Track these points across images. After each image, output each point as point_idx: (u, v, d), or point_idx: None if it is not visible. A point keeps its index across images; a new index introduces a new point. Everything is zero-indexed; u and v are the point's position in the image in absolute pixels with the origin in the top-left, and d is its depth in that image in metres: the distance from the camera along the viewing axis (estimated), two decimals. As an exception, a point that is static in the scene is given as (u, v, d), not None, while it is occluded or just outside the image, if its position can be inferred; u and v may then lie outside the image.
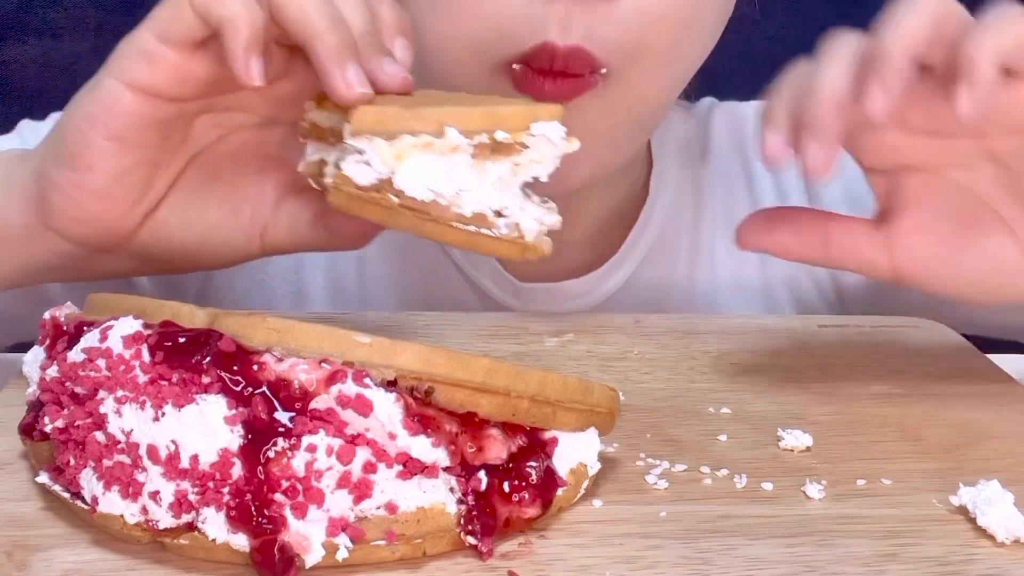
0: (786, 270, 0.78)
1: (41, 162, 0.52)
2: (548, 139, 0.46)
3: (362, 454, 0.38)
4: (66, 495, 0.41)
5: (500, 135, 0.45)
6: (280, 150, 0.55)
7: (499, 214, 0.45)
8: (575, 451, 0.43)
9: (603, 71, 0.59)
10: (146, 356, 0.39)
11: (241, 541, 0.38)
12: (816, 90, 0.47)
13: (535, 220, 0.46)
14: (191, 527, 0.38)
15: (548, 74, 0.59)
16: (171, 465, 0.38)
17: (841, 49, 0.48)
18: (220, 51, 0.48)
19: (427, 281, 0.77)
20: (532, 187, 0.48)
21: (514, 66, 0.60)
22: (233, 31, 0.47)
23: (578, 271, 0.76)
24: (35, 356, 0.45)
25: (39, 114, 0.77)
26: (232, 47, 0.47)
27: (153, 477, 0.38)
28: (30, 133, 0.75)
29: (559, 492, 0.42)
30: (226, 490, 0.37)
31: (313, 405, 0.38)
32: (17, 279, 0.56)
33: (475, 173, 0.45)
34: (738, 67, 0.78)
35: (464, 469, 0.40)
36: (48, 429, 0.42)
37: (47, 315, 0.45)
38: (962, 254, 0.51)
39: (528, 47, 0.59)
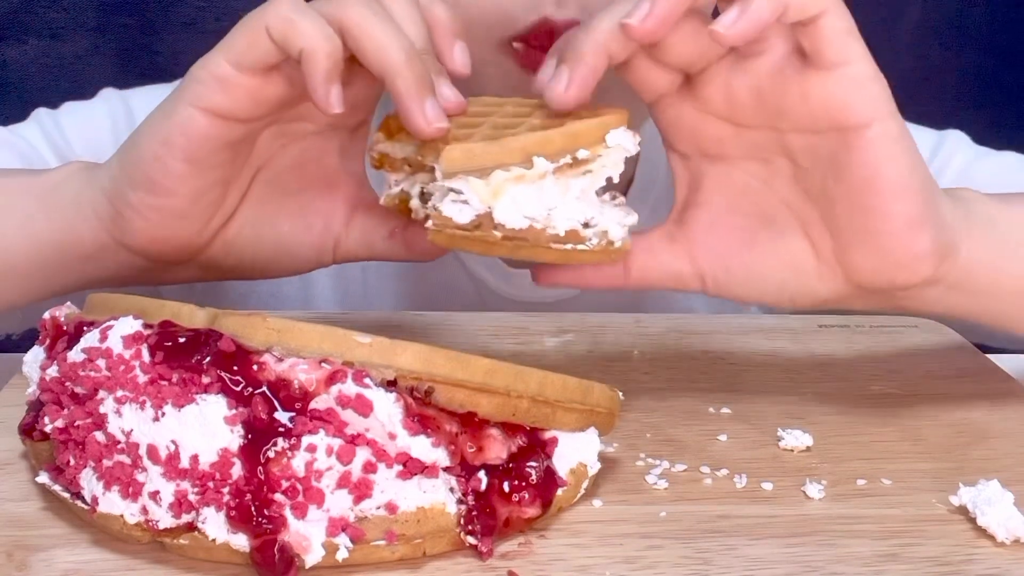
0: None
1: (115, 184, 0.53)
2: (622, 146, 0.47)
3: (362, 454, 0.38)
4: (66, 495, 0.41)
5: (581, 153, 0.46)
6: (342, 160, 0.55)
7: (587, 225, 0.46)
8: (575, 451, 0.43)
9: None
10: (146, 356, 0.39)
11: (241, 541, 0.38)
12: (592, 25, 0.46)
13: (618, 224, 0.47)
14: (191, 527, 0.38)
15: (546, 49, 0.58)
16: (171, 465, 0.38)
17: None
18: (292, 74, 0.49)
19: (425, 267, 0.77)
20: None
21: (514, 44, 0.60)
22: (314, 63, 0.47)
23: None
24: (35, 356, 0.45)
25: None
26: (313, 79, 0.47)
27: (153, 477, 0.38)
28: (48, 120, 0.75)
29: (559, 492, 0.42)
30: (226, 490, 0.37)
31: (313, 405, 0.38)
32: (81, 287, 0.56)
33: (560, 191, 0.46)
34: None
35: (464, 469, 0.40)
36: (48, 429, 0.42)
37: (47, 315, 0.45)
38: (758, 255, 0.50)
39: (525, 24, 0.59)
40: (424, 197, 0.47)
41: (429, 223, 0.46)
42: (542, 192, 0.45)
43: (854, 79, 0.46)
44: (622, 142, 0.47)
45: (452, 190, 0.45)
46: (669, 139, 0.52)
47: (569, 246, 0.46)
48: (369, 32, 0.48)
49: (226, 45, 0.50)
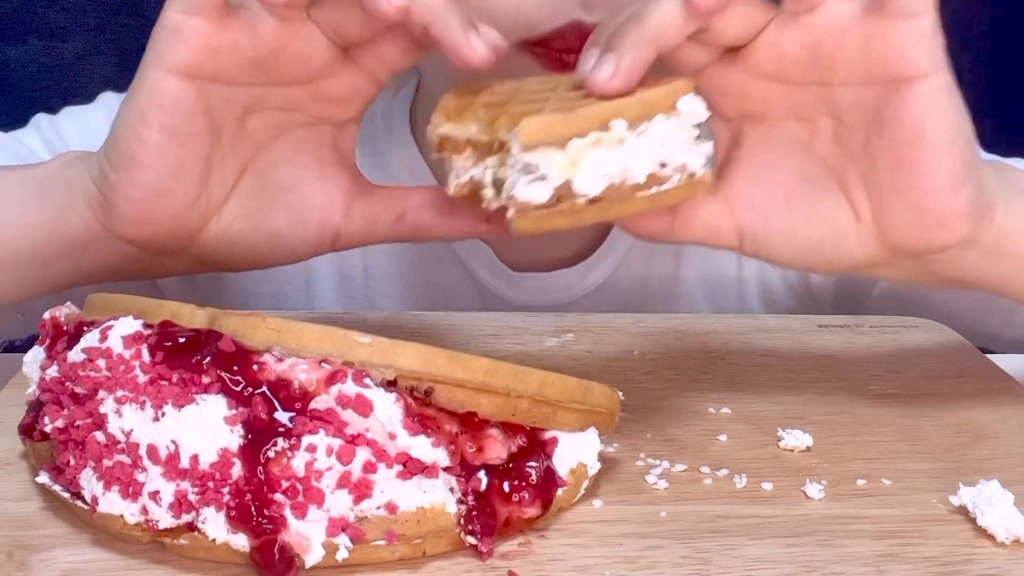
0: (758, 267, 0.79)
1: (99, 168, 0.52)
2: (692, 112, 0.46)
3: (362, 454, 0.38)
4: (66, 495, 0.41)
5: (657, 118, 0.45)
6: (333, 153, 0.55)
7: (664, 164, 0.45)
8: (575, 451, 0.43)
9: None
10: (146, 356, 0.39)
11: (241, 541, 0.38)
12: (643, 14, 0.46)
13: (694, 155, 0.46)
14: (191, 527, 0.38)
15: (575, 52, 0.56)
16: (171, 465, 0.38)
17: None
18: (249, 18, 0.49)
19: (428, 270, 0.77)
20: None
21: (534, 48, 0.59)
22: None
23: (568, 260, 0.76)
24: (35, 356, 0.45)
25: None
26: None
27: (153, 477, 0.38)
28: (48, 126, 0.75)
29: (559, 492, 0.42)
30: (226, 490, 0.37)
31: (313, 405, 0.38)
32: (75, 281, 0.56)
33: (637, 148, 0.45)
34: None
35: (464, 469, 0.40)
36: (48, 429, 0.42)
37: (47, 315, 0.45)
38: (798, 214, 0.50)
39: (551, 27, 0.59)
40: (497, 184, 0.46)
41: (510, 212, 0.44)
42: (620, 153, 0.44)
43: (920, 29, 0.46)
44: (693, 108, 0.46)
45: (528, 167, 0.44)
46: (712, 105, 0.50)
47: (653, 190, 0.45)
48: None
49: None
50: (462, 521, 0.40)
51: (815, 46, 0.47)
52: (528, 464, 0.41)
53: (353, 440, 0.38)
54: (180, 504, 0.38)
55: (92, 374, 0.40)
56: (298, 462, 0.37)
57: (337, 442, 0.38)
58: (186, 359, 0.39)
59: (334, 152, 0.55)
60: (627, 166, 0.44)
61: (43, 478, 0.42)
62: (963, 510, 0.44)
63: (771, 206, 0.50)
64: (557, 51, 0.59)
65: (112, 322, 0.41)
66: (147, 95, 0.50)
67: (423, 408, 0.39)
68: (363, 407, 0.38)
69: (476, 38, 0.48)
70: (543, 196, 0.43)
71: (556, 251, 0.77)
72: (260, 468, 0.37)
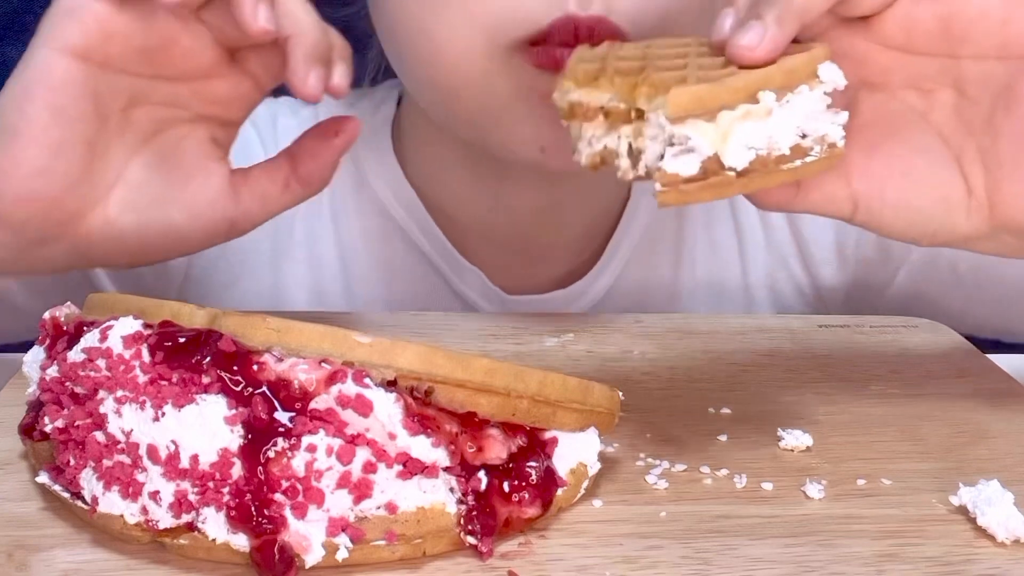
0: (765, 270, 0.78)
1: None
2: (831, 80, 0.45)
3: (362, 454, 0.38)
4: (66, 495, 0.41)
5: (803, 88, 0.44)
6: (216, 148, 0.56)
7: (804, 135, 0.44)
8: (575, 451, 0.43)
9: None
10: (146, 356, 0.39)
11: (241, 541, 0.38)
12: None
13: (831, 124, 0.45)
14: (191, 527, 0.38)
15: (570, 47, 0.56)
16: (171, 465, 0.38)
17: None
18: (144, 9, 0.50)
19: (415, 294, 0.76)
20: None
21: (529, 47, 0.59)
22: None
23: (563, 280, 0.75)
24: (35, 356, 0.45)
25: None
26: None
27: (153, 477, 0.38)
28: None
29: (559, 492, 0.42)
30: (226, 490, 0.37)
31: (313, 405, 0.38)
32: None
33: (784, 118, 0.44)
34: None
35: (464, 469, 0.40)
36: (48, 429, 0.42)
37: (47, 315, 0.45)
38: (913, 184, 0.49)
39: (545, 23, 0.58)
40: (633, 155, 0.45)
41: (657, 186, 0.43)
42: (767, 125, 0.43)
43: None
44: (832, 76, 0.45)
45: (673, 139, 0.43)
46: None
47: (798, 162, 0.44)
48: None
49: None
50: (462, 521, 0.40)
51: (950, 19, 0.47)
52: (528, 464, 0.41)
53: (353, 440, 0.38)
54: (180, 504, 0.38)
55: (92, 374, 0.40)
56: (298, 462, 0.37)
57: (337, 442, 0.38)
58: (186, 359, 0.39)
59: (215, 148, 0.56)
60: (773, 138, 0.43)
61: (43, 478, 0.42)
62: (963, 510, 0.44)
63: (888, 177, 0.49)
64: (558, 45, 0.58)
65: (112, 322, 0.41)
66: (36, 72, 0.50)
67: (423, 408, 0.39)
68: (363, 407, 0.38)
69: (315, 75, 0.50)
70: (691, 169, 0.42)
71: (550, 272, 0.75)
72: (260, 468, 0.37)
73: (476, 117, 0.63)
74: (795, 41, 0.46)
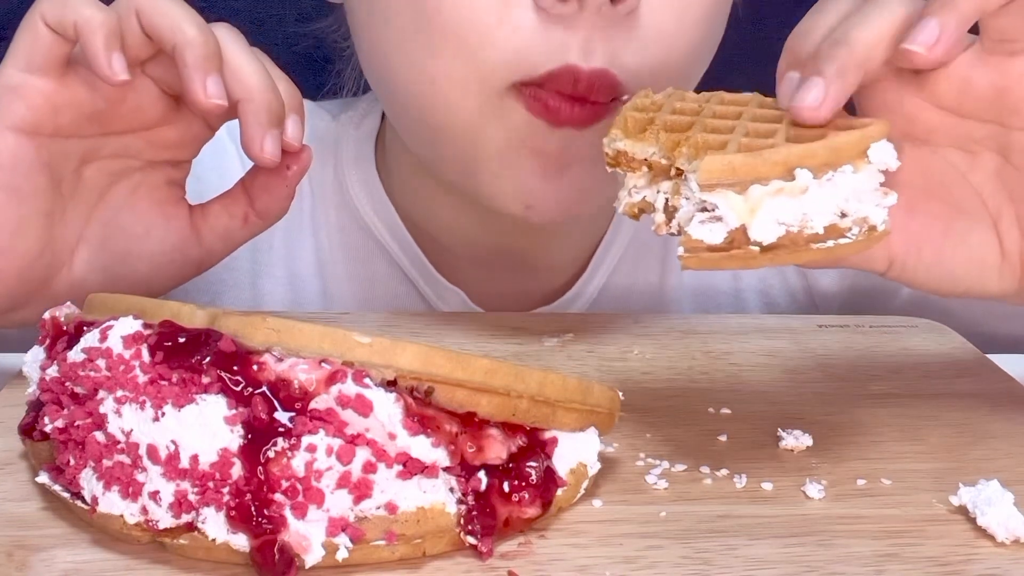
0: (759, 275, 0.77)
1: None
2: (884, 161, 0.43)
3: (362, 454, 0.38)
4: (66, 495, 0.41)
5: (847, 168, 0.42)
6: (172, 190, 0.56)
7: (843, 215, 0.43)
8: (575, 451, 0.43)
9: (624, 97, 0.57)
10: (146, 356, 0.39)
11: (241, 541, 0.38)
12: (852, 38, 0.44)
13: (876, 206, 0.43)
14: (191, 527, 0.38)
15: (568, 98, 0.56)
16: (171, 465, 0.38)
17: (886, 3, 0.45)
18: (88, 76, 0.50)
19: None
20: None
21: (524, 89, 0.57)
22: (90, 32, 0.48)
23: (547, 296, 0.74)
24: (35, 356, 0.45)
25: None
26: (91, 48, 0.48)
27: (153, 477, 0.38)
28: None
29: (559, 492, 0.42)
30: (226, 490, 0.37)
31: (313, 405, 0.38)
32: None
33: (820, 198, 0.42)
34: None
35: (464, 469, 0.40)
36: (48, 429, 0.42)
37: (47, 315, 0.45)
38: (950, 244, 0.49)
39: (544, 71, 0.56)
40: (668, 210, 0.45)
41: (680, 250, 0.43)
42: (801, 202, 0.42)
43: None
44: (884, 158, 0.43)
45: (704, 206, 0.42)
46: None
47: (831, 243, 0.43)
48: (162, 9, 0.49)
49: (11, 52, 0.50)
50: (462, 521, 0.40)
51: (1005, 89, 0.46)
52: (528, 464, 0.41)
53: (353, 440, 0.38)
54: (180, 504, 0.38)
55: (92, 374, 0.40)
56: (298, 462, 0.37)
57: (337, 442, 0.38)
58: (186, 359, 0.39)
59: (171, 190, 0.56)
60: (807, 215, 0.42)
61: (43, 478, 0.42)
62: (963, 510, 0.44)
63: (926, 238, 0.49)
64: (555, 93, 0.56)
65: (112, 322, 0.41)
66: None
67: (423, 408, 0.39)
68: (363, 407, 0.38)
69: (271, 141, 0.51)
70: (716, 238, 0.42)
71: (537, 288, 0.74)
72: (260, 468, 0.37)
73: (465, 163, 0.61)
74: (853, 114, 0.44)
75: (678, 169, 0.44)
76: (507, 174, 0.60)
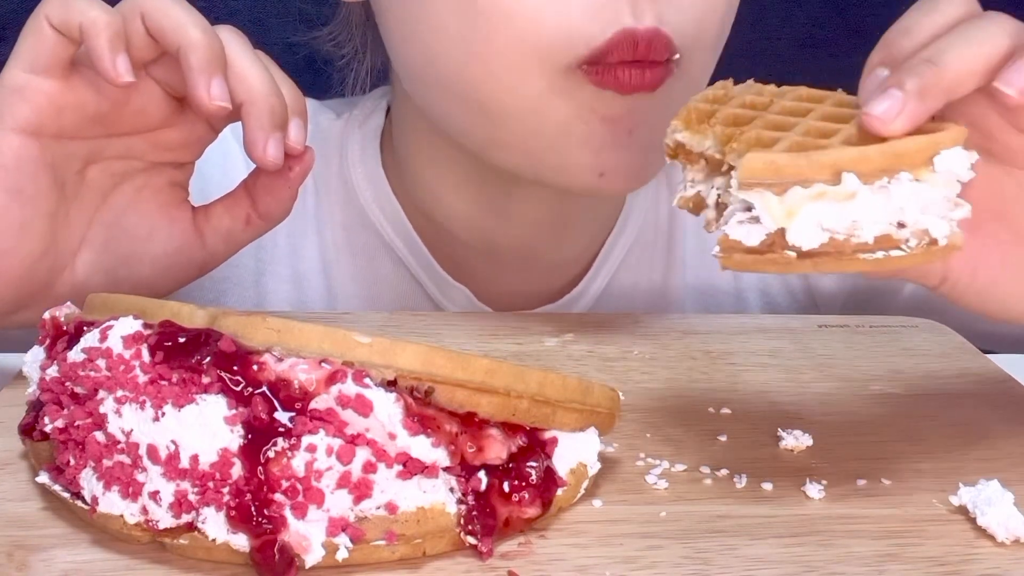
0: (759, 275, 0.77)
1: None
2: (951, 170, 0.40)
3: (362, 454, 0.38)
4: (66, 495, 0.41)
5: (903, 176, 0.40)
6: (175, 191, 0.56)
7: (901, 225, 0.40)
8: (575, 451, 0.43)
9: (676, 57, 0.57)
10: (146, 356, 0.39)
11: (241, 541, 0.38)
12: (946, 61, 0.42)
13: (941, 219, 0.40)
14: (191, 527, 0.38)
15: (631, 64, 0.56)
16: (171, 465, 0.38)
17: (992, 30, 0.43)
18: (92, 77, 0.50)
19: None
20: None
21: (583, 66, 0.57)
22: (95, 33, 0.48)
23: (552, 294, 0.74)
24: (35, 356, 0.45)
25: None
26: (96, 49, 0.48)
27: (153, 477, 0.38)
28: None
29: (559, 492, 0.42)
30: (226, 490, 0.37)
31: (313, 405, 0.38)
32: None
33: (872, 205, 0.40)
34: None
35: (464, 469, 0.40)
36: (48, 429, 0.42)
37: (47, 315, 0.45)
38: (1006, 271, 0.48)
39: (603, 40, 0.56)
40: (719, 207, 0.43)
41: (716, 250, 0.41)
42: (848, 209, 0.39)
43: None
44: (953, 167, 0.40)
45: (747, 205, 0.40)
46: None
47: (881, 254, 0.40)
48: (167, 11, 0.49)
49: (15, 53, 0.50)
50: (462, 521, 0.40)
51: None
52: (528, 464, 0.41)
53: (353, 440, 0.38)
54: (180, 504, 0.38)
55: (92, 374, 0.40)
56: (298, 462, 0.37)
57: (337, 442, 0.38)
58: (186, 359, 0.39)
59: (174, 191, 0.56)
60: (856, 223, 0.39)
61: (43, 478, 0.42)
62: (963, 510, 0.44)
63: (984, 261, 0.48)
64: (617, 64, 0.57)
65: (112, 322, 0.41)
66: None
67: (423, 408, 0.39)
68: (363, 407, 0.38)
69: (274, 144, 0.50)
70: (754, 240, 0.40)
71: (539, 288, 0.74)
72: (260, 468, 0.37)
73: (527, 142, 0.61)
74: (932, 117, 0.42)
75: (730, 165, 0.42)
76: (578, 145, 0.60)
